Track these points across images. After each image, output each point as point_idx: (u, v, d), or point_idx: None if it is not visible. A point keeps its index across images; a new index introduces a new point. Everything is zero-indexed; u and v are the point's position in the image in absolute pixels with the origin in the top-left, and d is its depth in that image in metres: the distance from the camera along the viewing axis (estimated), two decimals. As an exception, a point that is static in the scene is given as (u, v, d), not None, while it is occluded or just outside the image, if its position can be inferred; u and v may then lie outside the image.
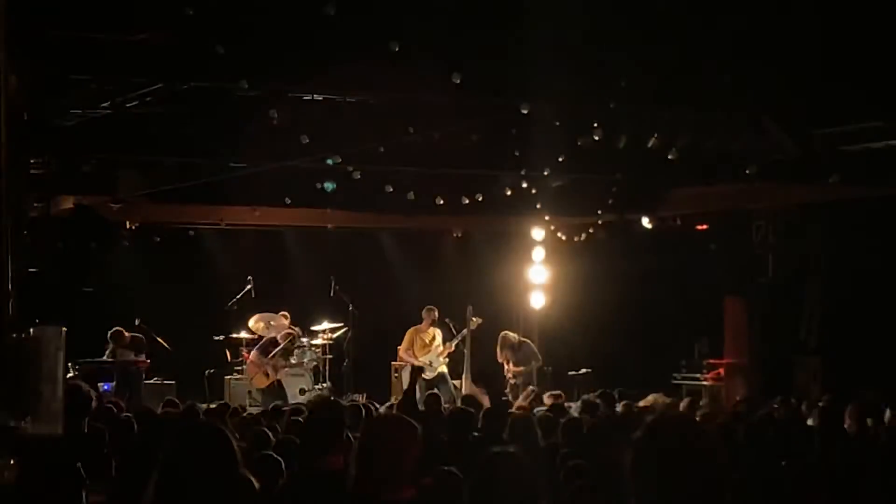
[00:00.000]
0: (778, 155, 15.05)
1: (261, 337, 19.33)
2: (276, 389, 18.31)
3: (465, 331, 18.66)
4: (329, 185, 16.02)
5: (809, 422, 12.85)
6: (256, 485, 5.02)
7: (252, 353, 18.85)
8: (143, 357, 17.49)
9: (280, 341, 18.85)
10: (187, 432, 4.71)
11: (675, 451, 3.63)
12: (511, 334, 18.40)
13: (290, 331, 19.11)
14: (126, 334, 17.50)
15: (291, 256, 20.78)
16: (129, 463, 7.97)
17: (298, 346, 19.08)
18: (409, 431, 4.98)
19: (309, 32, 11.51)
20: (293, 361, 18.95)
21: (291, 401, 16.85)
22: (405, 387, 17.92)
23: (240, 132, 14.49)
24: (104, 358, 17.31)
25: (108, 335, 17.38)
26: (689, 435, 3.70)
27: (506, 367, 18.18)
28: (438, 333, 18.88)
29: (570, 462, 7.98)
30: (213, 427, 4.69)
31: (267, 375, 18.53)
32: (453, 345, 18.71)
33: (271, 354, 18.66)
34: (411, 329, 19.01)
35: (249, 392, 18.32)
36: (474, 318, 18.74)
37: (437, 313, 18.93)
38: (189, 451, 4.47)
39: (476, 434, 9.92)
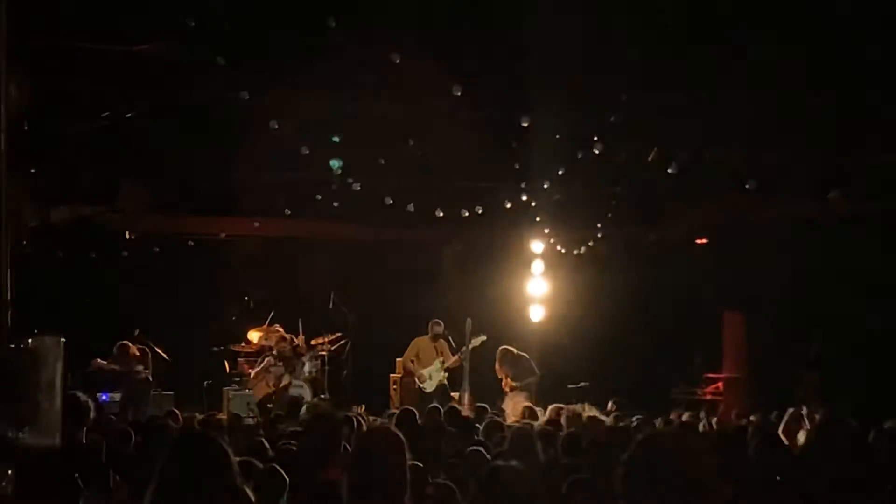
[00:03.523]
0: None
1: (260, 350, 19.31)
2: (279, 399, 18.27)
3: (466, 346, 18.62)
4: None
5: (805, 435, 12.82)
6: (252, 496, 5.01)
7: (255, 370, 18.83)
8: (143, 367, 17.42)
9: (275, 349, 18.86)
10: (183, 443, 4.71)
11: (666, 467, 3.63)
12: (511, 349, 18.38)
13: (282, 337, 19.13)
14: (132, 348, 17.42)
15: (291, 268, 20.76)
16: (127, 474, 7.96)
17: (294, 354, 19.03)
18: (396, 443, 4.98)
19: (310, 45, 11.54)
20: (298, 370, 18.92)
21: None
22: (404, 398, 17.95)
23: (240, 143, 14.51)
24: (104, 361, 17.22)
25: (115, 349, 17.30)
26: (680, 451, 3.71)
27: (504, 381, 18.16)
28: (442, 346, 18.86)
29: (571, 476, 7.96)
30: (210, 438, 4.69)
31: (269, 385, 18.50)
32: (455, 359, 18.68)
33: (271, 364, 18.66)
34: (416, 339, 18.99)
35: (248, 403, 18.27)
36: (479, 336, 18.68)
37: (442, 327, 18.90)
38: (185, 462, 4.47)
39: (475, 448, 9.90)
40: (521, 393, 17.69)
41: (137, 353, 17.34)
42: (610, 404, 15.51)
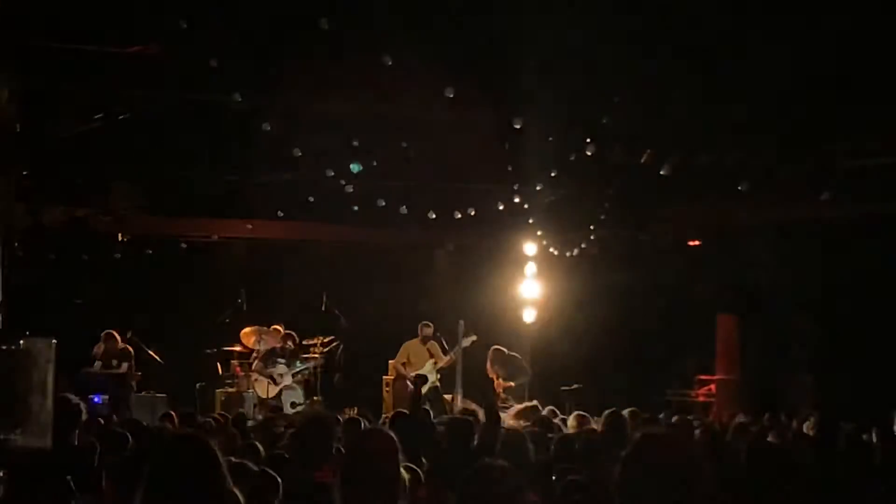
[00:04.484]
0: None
1: (252, 350, 19.29)
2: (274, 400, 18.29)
3: (458, 346, 18.59)
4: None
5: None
6: (243, 499, 4.99)
7: (255, 364, 18.81)
8: (127, 366, 17.39)
9: (281, 348, 18.91)
10: (174, 445, 4.69)
11: (661, 468, 3.64)
12: (502, 349, 18.36)
13: (287, 335, 19.18)
14: (117, 339, 17.44)
15: (283, 270, 20.74)
16: (118, 476, 7.94)
17: (292, 355, 19.06)
18: (389, 445, 4.97)
19: (303, 46, 11.53)
20: (296, 367, 18.93)
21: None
22: (396, 401, 17.92)
23: (232, 145, 14.50)
24: (93, 367, 17.22)
25: (101, 336, 17.32)
26: (675, 452, 3.71)
27: (496, 381, 18.14)
28: (433, 348, 18.83)
29: (566, 477, 7.95)
30: (200, 440, 4.67)
31: (274, 383, 18.50)
32: (447, 359, 18.65)
33: (276, 361, 18.69)
34: (406, 343, 18.96)
35: (242, 405, 18.23)
36: (470, 336, 18.66)
37: (432, 329, 18.88)
38: (175, 465, 4.46)
39: (469, 449, 9.88)
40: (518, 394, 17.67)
41: (121, 346, 17.35)
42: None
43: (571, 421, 13.11)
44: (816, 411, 14.59)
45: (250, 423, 13.93)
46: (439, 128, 14.46)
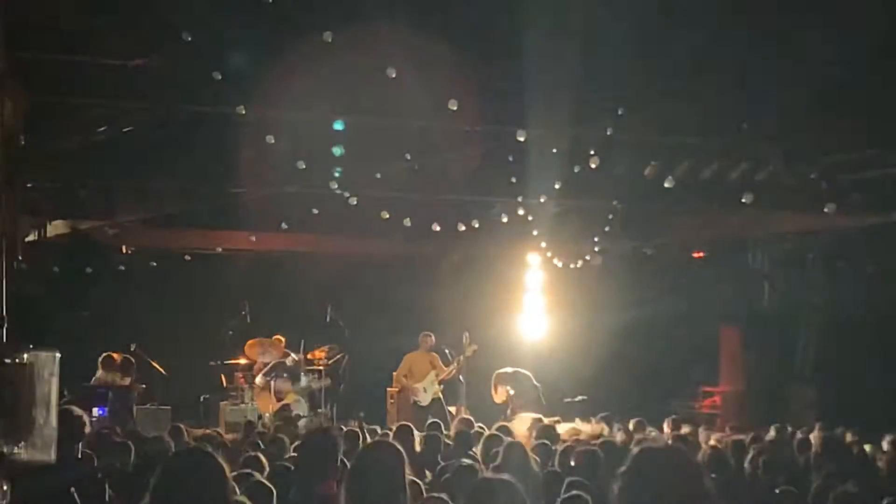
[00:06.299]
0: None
1: (255, 363, 19.28)
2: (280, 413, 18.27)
3: (461, 357, 18.59)
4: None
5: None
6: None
7: (258, 378, 18.78)
8: (130, 380, 17.36)
9: (286, 362, 18.90)
10: (179, 458, 4.69)
11: (662, 482, 3.63)
12: (506, 370, 18.28)
13: (284, 350, 19.18)
14: (116, 359, 17.41)
15: (287, 281, 20.76)
16: (122, 488, 7.94)
17: (294, 368, 19.04)
18: (396, 458, 4.97)
19: (306, 59, 11.53)
20: (301, 381, 18.93)
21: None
22: (400, 412, 17.92)
23: (236, 157, 14.50)
24: (95, 380, 17.21)
25: (99, 361, 17.29)
26: (675, 466, 3.70)
27: (507, 400, 17.96)
28: (435, 359, 18.82)
29: (568, 491, 7.94)
30: (204, 453, 4.67)
31: (272, 398, 18.48)
32: (449, 370, 18.65)
33: (276, 376, 18.67)
34: (408, 354, 18.96)
35: (245, 417, 18.21)
36: (471, 346, 18.66)
37: (433, 339, 18.88)
38: (181, 477, 4.45)
39: (471, 462, 9.87)
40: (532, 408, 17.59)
41: (120, 363, 17.31)
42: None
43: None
44: (820, 422, 14.58)
45: (254, 435, 13.94)
46: (443, 140, 14.45)
